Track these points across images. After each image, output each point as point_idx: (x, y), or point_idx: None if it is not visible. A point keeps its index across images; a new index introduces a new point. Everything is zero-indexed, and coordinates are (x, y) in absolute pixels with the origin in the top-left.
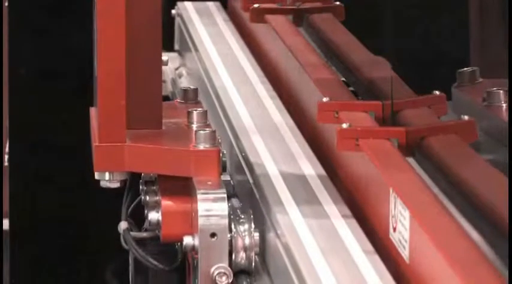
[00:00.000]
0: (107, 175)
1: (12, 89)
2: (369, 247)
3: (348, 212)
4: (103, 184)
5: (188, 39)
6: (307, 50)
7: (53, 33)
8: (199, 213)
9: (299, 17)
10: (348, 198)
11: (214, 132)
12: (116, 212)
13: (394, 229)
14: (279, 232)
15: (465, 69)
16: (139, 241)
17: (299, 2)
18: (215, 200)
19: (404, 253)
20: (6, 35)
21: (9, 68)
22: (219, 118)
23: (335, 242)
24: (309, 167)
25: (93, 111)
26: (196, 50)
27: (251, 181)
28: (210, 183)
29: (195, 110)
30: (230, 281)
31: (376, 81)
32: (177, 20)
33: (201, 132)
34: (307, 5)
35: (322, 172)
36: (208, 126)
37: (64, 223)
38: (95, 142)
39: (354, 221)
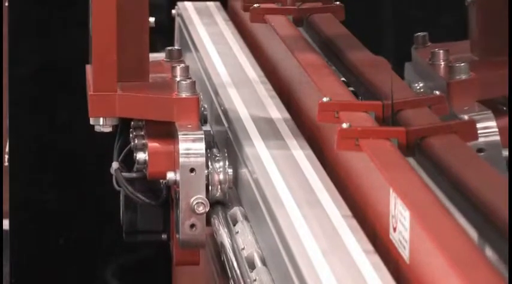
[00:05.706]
0: (100, 120)
1: (12, 89)
2: (369, 247)
3: (348, 212)
4: (97, 128)
5: (188, 39)
6: (307, 50)
7: (53, 33)
8: (180, 151)
9: (299, 17)
10: (348, 198)
11: (194, 82)
12: (114, 211)
13: (394, 229)
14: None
15: (419, 33)
16: (129, 181)
17: (299, 2)
18: (194, 140)
19: (405, 253)
20: (6, 35)
21: (9, 68)
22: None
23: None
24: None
25: (88, 68)
26: (196, 50)
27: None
28: (190, 126)
29: (178, 65)
30: (207, 210)
31: (376, 81)
32: (177, 20)
33: (183, 82)
34: (307, 5)
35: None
36: (189, 78)
37: (64, 223)
38: (90, 92)
39: (354, 222)
